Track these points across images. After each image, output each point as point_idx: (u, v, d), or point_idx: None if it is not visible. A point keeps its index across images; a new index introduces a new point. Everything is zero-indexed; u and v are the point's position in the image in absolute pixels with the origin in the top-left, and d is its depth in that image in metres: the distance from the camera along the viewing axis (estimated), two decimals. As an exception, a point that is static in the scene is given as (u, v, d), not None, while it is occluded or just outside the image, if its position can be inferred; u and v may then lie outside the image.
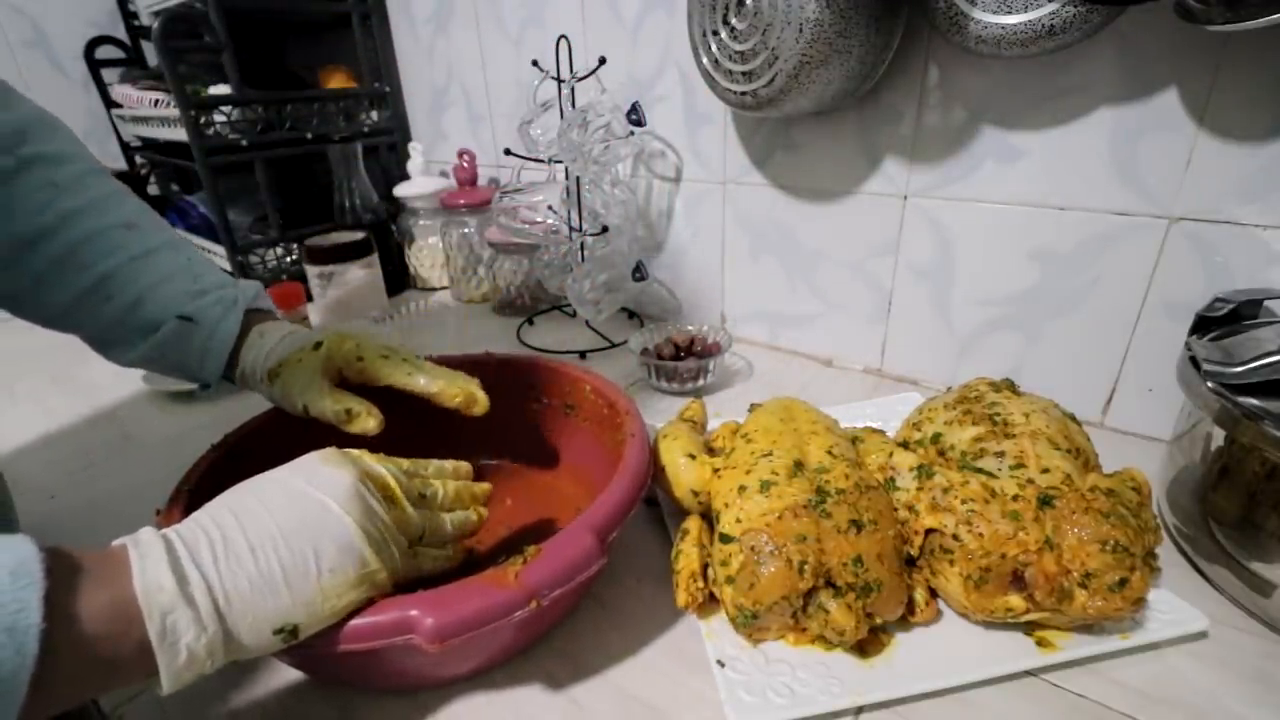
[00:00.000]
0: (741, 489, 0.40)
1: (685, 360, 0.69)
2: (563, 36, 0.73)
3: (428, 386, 0.45)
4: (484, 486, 0.42)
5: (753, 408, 0.52)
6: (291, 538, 0.30)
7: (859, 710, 0.35)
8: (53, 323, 0.48)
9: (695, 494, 0.45)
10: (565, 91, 0.74)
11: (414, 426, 0.46)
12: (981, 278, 0.63)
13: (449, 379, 0.45)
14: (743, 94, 0.60)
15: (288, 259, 1.05)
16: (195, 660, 0.28)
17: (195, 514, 0.32)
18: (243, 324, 0.49)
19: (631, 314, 0.91)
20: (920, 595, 0.39)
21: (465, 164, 0.98)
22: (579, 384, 0.53)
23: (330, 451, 0.35)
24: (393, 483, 0.35)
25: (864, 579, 0.36)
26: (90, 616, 0.26)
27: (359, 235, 0.92)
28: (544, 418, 0.56)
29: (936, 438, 0.46)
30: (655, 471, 0.46)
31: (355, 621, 0.31)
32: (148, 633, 0.26)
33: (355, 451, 0.36)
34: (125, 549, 0.28)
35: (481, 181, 1.05)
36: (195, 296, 0.48)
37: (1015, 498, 0.37)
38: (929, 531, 0.39)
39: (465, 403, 0.45)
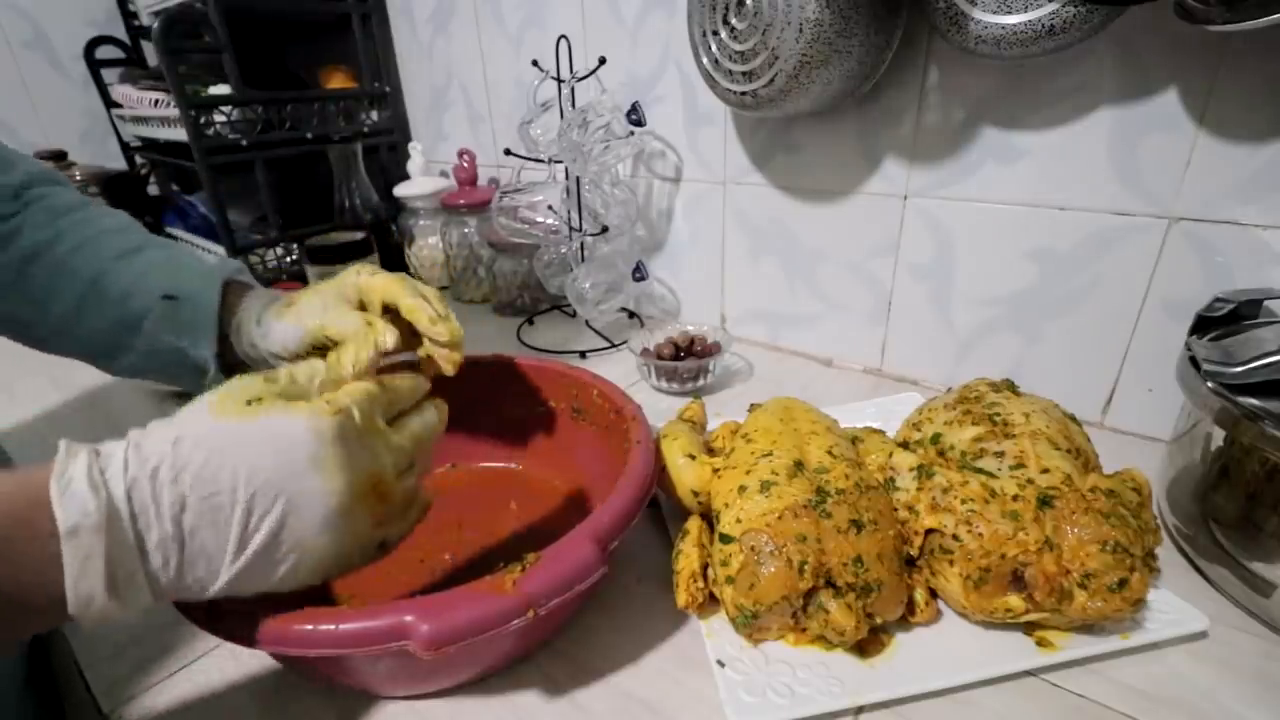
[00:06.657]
0: (741, 489, 0.40)
1: (685, 360, 0.69)
2: (563, 36, 0.73)
3: (438, 335, 0.41)
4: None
5: (753, 408, 0.51)
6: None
7: (859, 710, 0.35)
8: (62, 342, 0.48)
9: (695, 494, 0.45)
10: (565, 91, 0.74)
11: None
12: (981, 278, 0.63)
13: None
14: (743, 94, 0.60)
15: (288, 259, 1.05)
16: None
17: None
18: (226, 294, 0.47)
19: (631, 314, 0.91)
20: (920, 595, 0.39)
21: (465, 164, 0.97)
22: (586, 388, 0.53)
23: (250, 384, 0.30)
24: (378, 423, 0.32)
25: (864, 579, 0.36)
26: None
27: (359, 235, 0.92)
28: (550, 421, 0.56)
29: (936, 438, 0.46)
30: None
31: (347, 626, 0.30)
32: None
33: (280, 374, 0.32)
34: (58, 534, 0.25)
35: (481, 181, 1.05)
36: (174, 274, 0.48)
37: (1015, 498, 0.37)
38: (929, 532, 0.39)
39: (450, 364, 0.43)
